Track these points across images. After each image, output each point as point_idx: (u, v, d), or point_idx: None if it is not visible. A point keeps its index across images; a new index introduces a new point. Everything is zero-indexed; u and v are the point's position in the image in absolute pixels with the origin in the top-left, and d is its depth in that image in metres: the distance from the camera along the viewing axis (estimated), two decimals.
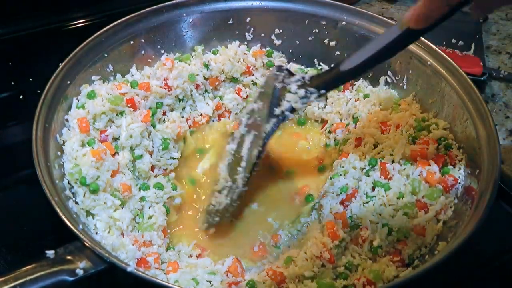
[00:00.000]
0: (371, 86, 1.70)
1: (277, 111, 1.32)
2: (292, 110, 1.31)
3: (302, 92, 1.30)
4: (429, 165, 1.36)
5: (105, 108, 1.44)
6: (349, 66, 1.22)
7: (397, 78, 1.64)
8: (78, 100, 1.46)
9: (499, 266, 1.41)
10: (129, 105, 1.49)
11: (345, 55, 1.72)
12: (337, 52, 1.75)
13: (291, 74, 1.35)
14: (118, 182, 1.35)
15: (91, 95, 1.47)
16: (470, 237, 1.12)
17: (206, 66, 1.68)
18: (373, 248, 1.26)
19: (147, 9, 1.65)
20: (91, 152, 1.33)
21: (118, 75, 1.61)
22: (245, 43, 1.79)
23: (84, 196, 1.29)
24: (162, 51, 1.70)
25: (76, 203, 1.27)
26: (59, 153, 1.34)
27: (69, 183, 1.30)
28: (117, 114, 1.48)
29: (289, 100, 1.31)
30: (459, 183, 1.33)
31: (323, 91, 1.28)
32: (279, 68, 1.37)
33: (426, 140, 1.41)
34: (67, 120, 1.43)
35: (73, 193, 1.29)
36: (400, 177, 1.37)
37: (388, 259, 1.24)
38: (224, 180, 1.42)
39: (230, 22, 1.76)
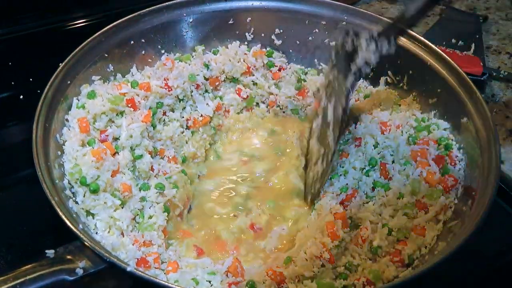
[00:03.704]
0: (371, 86, 1.71)
1: (354, 67, 1.36)
2: (367, 64, 1.35)
3: (373, 46, 1.33)
4: (429, 166, 1.36)
5: (105, 108, 1.44)
6: (413, 11, 1.27)
7: (397, 78, 1.64)
8: (78, 100, 1.46)
9: (499, 266, 1.41)
10: (129, 105, 1.49)
11: None
12: None
13: (357, 35, 1.38)
14: (118, 182, 1.35)
15: (91, 95, 1.47)
16: (470, 237, 1.12)
17: (207, 66, 1.68)
18: (373, 248, 1.26)
19: (147, 9, 1.65)
20: (91, 152, 1.33)
21: (119, 75, 1.61)
22: (246, 43, 1.79)
23: (84, 196, 1.29)
24: (163, 51, 1.71)
25: (76, 202, 1.27)
26: (59, 153, 1.34)
27: (69, 183, 1.30)
28: (117, 114, 1.48)
29: (363, 56, 1.35)
30: (459, 183, 1.33)
31: (393, 40, 1.32)
32: (346, 33, 1.40)
33: (426, 141, 1.41)
34: (67, 120, 1.42)
35: (73, 193, 1.28)
36: (400, 177, 1.37)
37: (388, 259, 1.24)
38: (317, 151, 1.46)
39: (231, 22, 1.76)
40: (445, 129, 1.45)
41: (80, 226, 1.17)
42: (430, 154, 1.38)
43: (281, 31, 1.78)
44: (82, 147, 1.37)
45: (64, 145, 1.37)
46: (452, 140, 1.43)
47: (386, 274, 1.21)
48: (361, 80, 1.73)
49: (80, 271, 1.07)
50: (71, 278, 1.06)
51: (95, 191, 1.29)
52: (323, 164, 1.44)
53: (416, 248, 1.26)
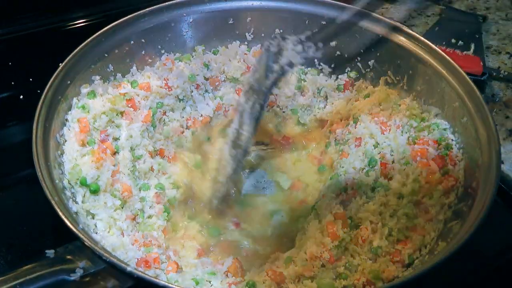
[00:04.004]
0: (371, 86, 1.70)
1: (276, 67, 1.33)
2: (291, 64, 1.32)
3: (299, 47, 1.31)
4: (429, 165, 1.35)
5: (105, 108, 1.45)
6: (345, 18, 1.29)
7: (397, 78, 1.64)
8: (78, 100, 1.46)
9: (499, 266, 1.41)
10: (129, 105, 1.49)
11: (345, 55, 1.73)
12: (338, 52, 1.74)
13: (284, 39, 1.36)
14: (118, 182, 1.35)
15: (91, 95, 1.47)
16: (470, 237, 1.12)
17: (207, 66, 1.68)
18: (373, 248, 1.26)
19: (147, 9, 1.65)
20: (91, 152, 1.33)
21: (119, 75, 1.60)
22: (246, 43, 1.79)
23: (84, 196, 1.29)
24: (163, 51, 1.70)
25: (76, 203, 1.27)
26: (59, 153, 1.34)
27: (69, 183, 1.30)
28: (117, 114, 1.48)
29: (287, 56, 1.33)
30: (459, 183, 1.33)
31: (320, 44, 1.30)
32: (272, 37, 1.39)
33: (426, 141, 1.41)
34: (67, 120, 1.42)
35: (72, 193, 1.28)
36: (400, 177, 1.37)
37: (388, 259, 1.24)
38: (228, 155, 1.44)
39: (231, 22, 1.76)
40: (445, 129, 1.45)
41: (80, 226, 1.17)
42: (430, 154, 1.38)
43: (281, 31, 1.78)
44: (82, 147, 1.37)
45: (64, 145, 1.37)
46: (452, 140, 1.42)
47: (386, 274, 1.21)
48: (361, 80, 1.73)
49: (80, 271, 1.07)
50: (71, 278, 1.06)
51: (95, 192, 1.29)
52: (233, 165, 1.44)
53: (416, 248, 1.26)
